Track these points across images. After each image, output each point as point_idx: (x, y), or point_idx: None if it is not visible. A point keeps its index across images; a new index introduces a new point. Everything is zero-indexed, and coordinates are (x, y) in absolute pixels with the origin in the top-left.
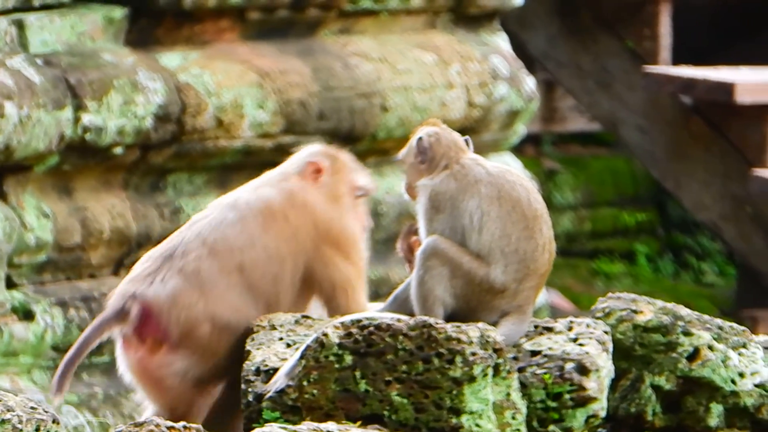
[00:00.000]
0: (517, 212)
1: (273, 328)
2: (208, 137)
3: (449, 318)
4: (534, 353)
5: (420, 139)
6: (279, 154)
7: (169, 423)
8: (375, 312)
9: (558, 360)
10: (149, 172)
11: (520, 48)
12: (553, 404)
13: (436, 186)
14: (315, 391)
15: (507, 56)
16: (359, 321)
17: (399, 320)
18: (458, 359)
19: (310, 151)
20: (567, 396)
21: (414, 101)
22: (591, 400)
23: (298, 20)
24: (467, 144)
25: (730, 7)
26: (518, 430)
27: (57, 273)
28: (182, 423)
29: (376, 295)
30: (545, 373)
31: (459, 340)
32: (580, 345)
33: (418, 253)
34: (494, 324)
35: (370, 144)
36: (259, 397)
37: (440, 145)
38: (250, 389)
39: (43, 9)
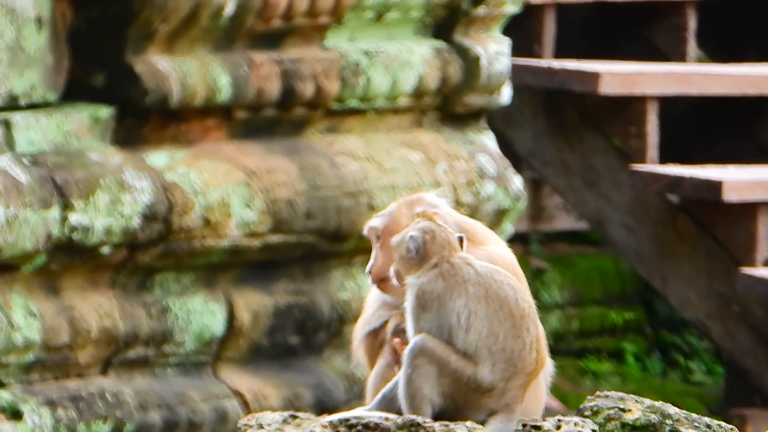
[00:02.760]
0: (504, 311)
1: (261, 427)
2: (195, 236)
3: (437, 416)
4: None
5: (413, 237)
6: (266, 253)
7: None
8: (363, 411)
9: None
10: (136, 272)
11: (506, 146)
12: None
13: (423, 285)
14: None
15: (494, 155)
16: (347, 420)
17: (387, 419)
18: None
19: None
20: None
21: None
22: None
23: (285, 119)
24: (461, 242)
25: (715, 106)
26: None
27: (45, 372)
28: None
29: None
30: None
31: None
32: None
33: (406, 351)
34: (482, 423)
35: (357, 243)
36: None
37: (434, 243)
38: None
39: (29, 108)
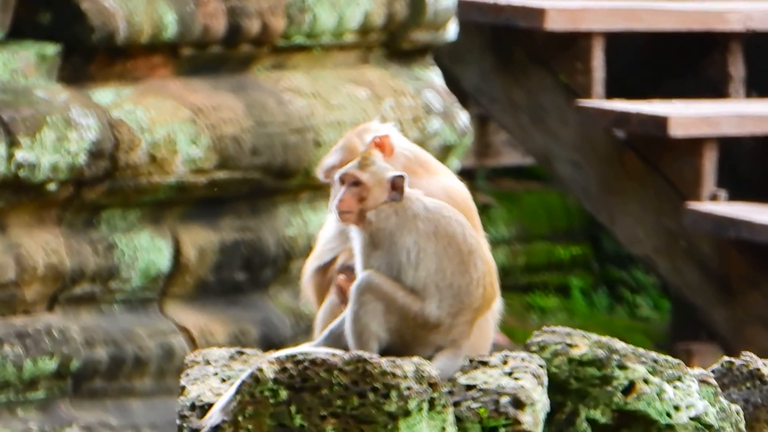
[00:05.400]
0: (453, 247)
1: (207, 363)
2: (142, 173)
3: (384, 353)
4: (469, 387)
5: (402, 177)
6: (212, 190)
7: None
8: (310, 347)
9: (493, 394)
10: (83, 209)
11: (453, 83)
12: None
13: (377, 222)
14: (250, 426)
15: (440, 91)
16: (294, 356)
17: (334, 355)
18: (393, 394)
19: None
20: (502, 430)
21: None
22: None
23: (231, 56)
24: (402, 180)
25: (662, 42)
26: None
27: None
28: None
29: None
30: (481, 407)
31: (394, 375)
32: (516, 379)
33: (353, 288)
34: (429, 358)
35: (303, 179)
36: None
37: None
38: (185, 424)
39: None
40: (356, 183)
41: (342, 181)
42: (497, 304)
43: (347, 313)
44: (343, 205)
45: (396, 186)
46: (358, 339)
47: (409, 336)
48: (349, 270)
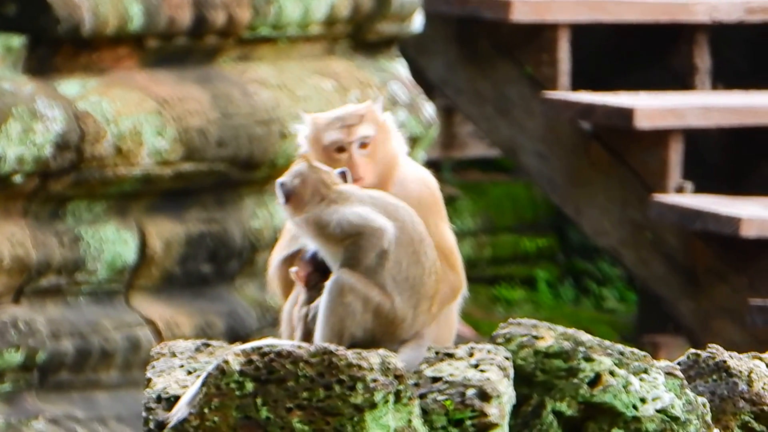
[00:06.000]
0: (405, 236)
1: (173, 355)
2: (107, 165)
3: (350, 347)
4: (435, 379)
5: (282, 183)
6: (178, 182)
7: None
8: (275, 339)
9: (459, 386)
10: (49, 200)
11: (418, 74)
12: (455, 430)
13: (317, 216)
14: (216, 419)
15: (406, 82)
16: (260, 348)
17: (300, 347)
18: (359, 386)
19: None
20: (468, 422)
21: None
22: (492, 426)
23: (197, 48)
24: (344, 177)
25: (628, 33)
26: None
27: None
28: None
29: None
30: (446, 399)
31: (360, 367)
32: (481, 371)
33: (328, 285)
34: (394, 351)
35: (269, 171)
36: (161, 425)
37: (306, 186)
38: (151, 417)
39: None
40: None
41: (342, 149)
42: (462, 294)
43: (321, 310)
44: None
45: (284, 193)
46: (330, 334)
47: (380, 333)
48: (302, 261)
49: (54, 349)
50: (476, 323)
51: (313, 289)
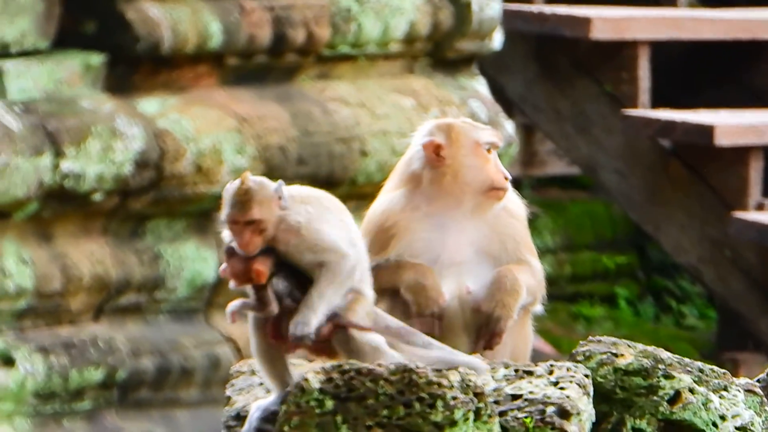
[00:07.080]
0: (348, 218)
1: (253, 373)
2: (187, 183)
3: None
4: (515, 397)
5: (279, 185)
6: None
7: None
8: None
9: (539, 404)
10: (128, 219)
11: (498, 92)
12: None
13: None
14: None
15: (485, 100)
16: (340, 366)
17: (379, 365)
18: (439, 403)
19: (423, 131)
20: None
21: (393, 146)
22: None
23: (276, 66)
24: (279, 190)
25: (707, 51)
26: None
27: (37, 320)
28: None
29: None
30: (526, 417)
31: (440, 385)
32: (561, 389)
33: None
34: None
35: (349, 189)
36: None
37: (259, 203)
38: None
39: (20, 56)
40: (250, 222)
41: (234, 223)
42: (537, 308)
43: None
44: (250, 246)
45: (281, 196)
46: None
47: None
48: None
49: (134, 367)
50: (556, 341)
51: (288, 297)
